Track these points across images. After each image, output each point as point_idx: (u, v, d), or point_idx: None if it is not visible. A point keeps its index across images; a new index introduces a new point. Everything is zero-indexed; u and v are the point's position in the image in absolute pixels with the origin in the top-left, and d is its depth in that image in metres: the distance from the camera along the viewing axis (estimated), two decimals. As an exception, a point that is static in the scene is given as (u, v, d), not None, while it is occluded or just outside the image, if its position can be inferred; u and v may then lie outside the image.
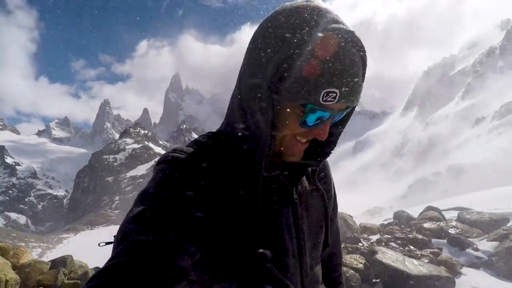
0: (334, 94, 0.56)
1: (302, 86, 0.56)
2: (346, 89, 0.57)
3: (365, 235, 7.03)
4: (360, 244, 6.26)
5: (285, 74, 0.58)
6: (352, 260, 5.08)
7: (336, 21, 0.58)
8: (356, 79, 0.58)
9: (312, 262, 0.74)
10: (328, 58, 0.55)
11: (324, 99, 0.56)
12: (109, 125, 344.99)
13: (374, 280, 4.85)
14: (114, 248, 0.53)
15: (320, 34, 0.56)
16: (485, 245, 5.82)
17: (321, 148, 0.71)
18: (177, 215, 0.55)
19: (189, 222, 0.56)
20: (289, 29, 0.58)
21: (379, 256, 4.98)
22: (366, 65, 0.63)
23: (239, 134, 0.67)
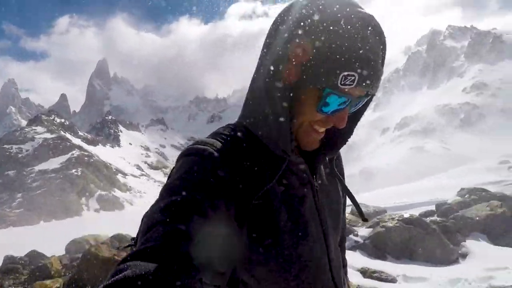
0: (353, 78, 0.55)
1: (320, 69, 0.56)
2: (365, 73, 0.56)
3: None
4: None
5: (303, 57, 0.58)
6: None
7: (356, 5, 0.59)
8: (375, 64, 0.57)
9: (334, 247, 0.75)
10: (347, 41, 0.55)
11: (342, 82, 0.56)
12: (13, 109, 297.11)
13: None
14: (141, 236, 0.54)
15: (339, 18, 0.56)
16: (363, 232, 7.27)
17: (337, 137, 0.72)
18: (203, 206, 0.55)
19: (215, 213, 0.56)
20: (308, 13, 0.58)
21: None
22: (385, 51, 0.62)
23: (259, 123, 0.66)
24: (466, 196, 9.50)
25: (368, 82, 0.57)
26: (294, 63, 0.59)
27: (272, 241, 0.62)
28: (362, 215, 0.80)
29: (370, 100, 0.67)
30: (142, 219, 0.57)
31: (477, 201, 8.60)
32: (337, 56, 0.55)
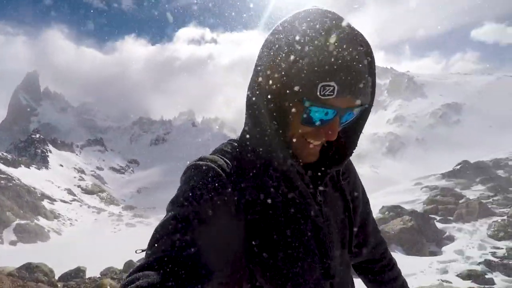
0: (331, 88, 0.55)
1: (298, 82, 0.58)
2: (345, 82, 0.56)
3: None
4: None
5: (282, 73, 0.60)
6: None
7: (335, 17, 0.60)
8: (357, 73, 0.57)
9: (341, 264, 0.74)
10: (323, 53, 0.56)
11: (322, 93, 0.56)
12: None
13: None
14: (148, 249, 0.56)
15: (315, 31, 0.57)
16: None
17: (341, 150, 0.72)
18: (205, 218, 0.58)
19: (217, 224, 0.59)
20: (287, 32, 0.61)
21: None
22: (372, 62, 0.63)
23: (256, 137, 0.68)
24: (386, 213, 10.71)
25: (350, 91, 0.57)
26: (275, 80, 0.61)
27: (268, 256, 0.63)
28: (351, 241, 0.78)
29: (368, 111, 0.67)
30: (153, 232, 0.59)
31: (394, 217, 9.75)
32: (314, 68, 0.56)
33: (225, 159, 0.68)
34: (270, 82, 0.62)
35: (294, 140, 0.65)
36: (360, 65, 0.58)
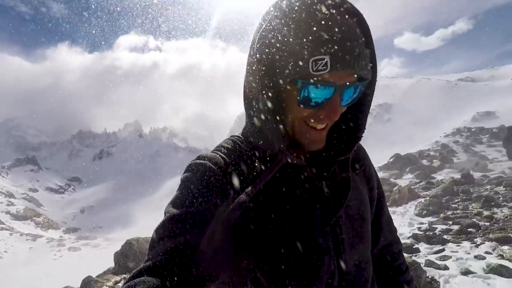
0: (324, 61, 0.51)
1: (288, 60, 0.54)
2: (338, 54, 0.52)
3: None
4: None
5: (272, 53, 0.56)
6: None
7: None
8: (351, 44, 0.53)
9: (359, 259, 0.69)
10: (311, 27, 0.52)
11: (315, 69, 0.52)
12: None
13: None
14: (148, 252, 0.55)
15: (301, 5, 0.54)
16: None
17: (351, 135, 0.67)
18: (202, 219, 0.56)
19: (214, 224, 0.57)
20: (274, 11, 0.58)
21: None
22: (367, 31, 0.58)
23: (252, 129, 0.66)
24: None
25: (344, 64, 0.52)
26: (265, 62, 0.58)
27: (263, 255, 0.61)
28: (373, 233, 0.76)
29: (372, 87, 0.63)
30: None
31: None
32: (303, 43, 0.52)
33: (223, 155, 0.66)
34: (261, 66, 0.59)
35: (296, 126, 0.61)
36: (353, 36, 0.54)
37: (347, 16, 0.55)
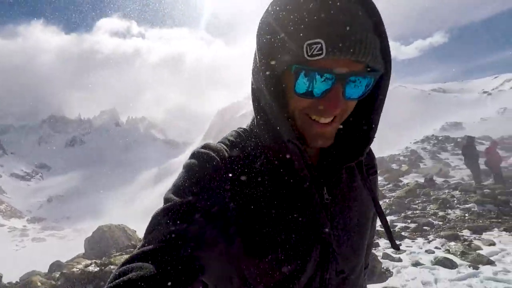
0: (319, 45, 0.47)
1: (284, 46, 0.52)
2: (335, 37, 0.47)
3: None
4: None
5: (270, 41, 0.54)
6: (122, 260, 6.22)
7: None
8: (350, 26, 0.48)
9: (348, 271, 0.65)
10: (309, 9, 0.49)
11: (309, 53, 0.48)
12: None
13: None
14: (144, 237, 0.55)
15: None
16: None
17: (361, 136, 0.62)
18: (202, 208, 0.55)
19: (213, 215, 0.56)
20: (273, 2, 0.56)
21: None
22: (375, 14, 0.53)
23: (258, 124, 0.64)
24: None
25: (342, 47, 0.47)
26: (266, 52, 0.56)
27: (257, 253, 0.58)
28: (393, 243, 0.70)
29: (386, 81, 0.57)
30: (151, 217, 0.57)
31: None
32: (296, 26, 0.50)
33: (226, 148, 0.64)
34: (260, 55, 0.56)
35: (297, 119, 0.57)
36: (355, 19, 0.49)
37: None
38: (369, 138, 0.61)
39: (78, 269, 5.20)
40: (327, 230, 0.61)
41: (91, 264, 5.45)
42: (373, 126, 0.60)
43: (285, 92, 0.56)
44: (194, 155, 0.64)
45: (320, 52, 0.47)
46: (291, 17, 0.51)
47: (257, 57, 0.57)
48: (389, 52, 0.55)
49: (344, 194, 0.65)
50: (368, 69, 0.52)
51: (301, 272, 0.59)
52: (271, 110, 0.58)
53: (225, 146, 0.65)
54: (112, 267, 5.48)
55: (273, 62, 0.55)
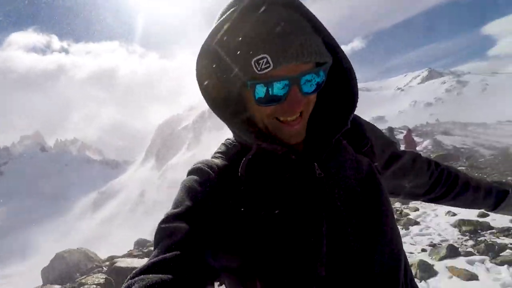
0: (265, 59, 0.52)
1: (233, 64, 0.55)
2: (277, 49, 0.52)
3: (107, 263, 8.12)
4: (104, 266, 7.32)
5: (218, 60, 0.59)
6: (94, 279, 6.16)
7: None
8: (288, 36, 0.53)
9: (371, 236, 0.63)
10: (249, 27, 0.54)
11: (259, 68, 0.53)
12: None
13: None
14: (154, 248, 0.56)
15: (230, 8, 0.56)
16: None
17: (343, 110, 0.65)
18: (200, 221, 0.57)
19: (214, 227, 0.58)
20: (217, 17, 0.60)
21: (117, 265, 6.42)
22: (311, 17, 0.58)
23: (234, 135, 0.71)
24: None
25: (286, 56, 0.52)
26: (217, 71, 0.60)
27: (259, 250, 0.59)
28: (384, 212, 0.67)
29: (340, 53, 0.62)
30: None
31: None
32: (238, 46, 0.54)
33: (216, 160, 0.69)
34: (216, 74, 0.61)
35: (268, 123, 0.62)
36: (292, 27, 0.54)
37: (283, 9, 0.56)
38: (352, 107, 0.64)
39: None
40: (325, 206, 0.62)
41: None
42: (354, 93, 0.64)
43: (246, 105, 0.61)
44: (189, 172, 0.68)
45: (268, 65, 0.52)
46: (234, 38, 0.55)
47: (211, 76, 0.62)
48: (333, 39, 0.60)
49: (340, 166, 0.66)
50: (317, 64, 0.56)
51: (317, 256, 0.59)
52: (235, 120, 0.63)
53: (215, 160, 0.69)
54: (85, 287, 5.44)
55: (225, 81, 0.59)
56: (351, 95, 0.65)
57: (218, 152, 0.72)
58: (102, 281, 6.40)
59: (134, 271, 0.50)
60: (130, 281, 0.48)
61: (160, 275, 0.47)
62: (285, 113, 0.58)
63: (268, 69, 0.52)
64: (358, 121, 0.76)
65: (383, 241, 0.64)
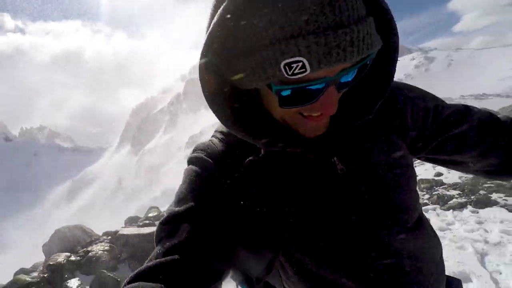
0: (300, 64, 0.38)
1: (252, 64, 0.42)
2: (319, 51, 0.38)
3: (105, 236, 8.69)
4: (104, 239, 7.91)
5: (235, 53, 0.45)
6: (99, 247, 6.75)
7: None
8: (337, 31, 0.38)
9: (404, 228, 0.58)
10: (276, 10, 0.38)
11: (290, 73, 0.39)
12: None
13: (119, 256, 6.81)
14: (155, 244, 0.54)
15: None
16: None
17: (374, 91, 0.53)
18: (201, 221, 0.53)
19: (214, 222, 0.54)
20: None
21: (121, 233, 7.07)
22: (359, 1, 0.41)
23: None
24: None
25: (331, 59, 0.38)
26: (230, 64, 0.47)
27: (273, 245, 0.55)
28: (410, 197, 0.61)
29: (391, 53, 0.49)
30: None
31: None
32: (266, 38, 0.40)
33: (217, 142, 0.62)
34: (222, 69, 0.48)
35: (287, 118, 0.51)
36: (344, 14, 0.38)
37: None
38: (383, 92, 0.52)
39: (63, 259, 5.63)
40: (350, 202, 0.56)
41: (70, 256, 5.90)
42: (390, 74, 0.51)
43: (264, 101, 0.52)
44: (189, 161, 0.62)
45: (303, 70, 0.39)
46: (255, 22, 0.40)
47: (214, 73, 0.49)
48: (389, 13, 0.46)
49: (366, 154, 0.58)
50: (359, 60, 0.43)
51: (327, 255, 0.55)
52: (228, 123, 0.53)
53: (215, 141, 0.62)
54: (91, 254, 6.04)
55: (237, 78, 0.46)
56: (386, 75, 0.51)
57: (220, 132, 0.64)
58: (107, 247, 7.05)
59: (130, 275, 0.47)
60: (127, 286, 0.45)
61: (153, 284, 0.45)
62: (313, 110, 0.48)
63: (303, 74, 0.40)
64: (392, 88, 0.61)
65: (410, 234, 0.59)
